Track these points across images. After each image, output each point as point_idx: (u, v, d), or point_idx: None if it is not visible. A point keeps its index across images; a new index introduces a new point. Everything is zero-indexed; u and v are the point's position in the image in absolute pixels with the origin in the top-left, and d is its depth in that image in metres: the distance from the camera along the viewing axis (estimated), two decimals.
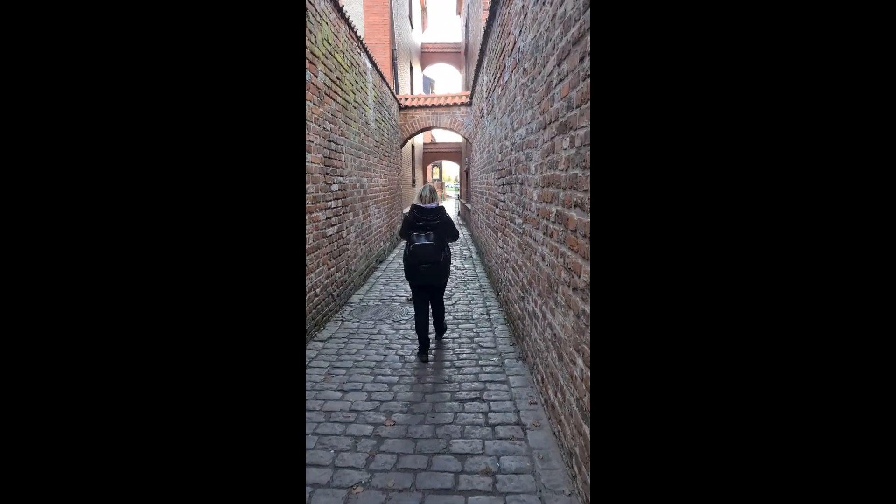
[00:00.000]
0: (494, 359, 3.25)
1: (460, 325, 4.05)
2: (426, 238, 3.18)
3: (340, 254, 4.68)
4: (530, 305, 2.88)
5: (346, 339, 3.72)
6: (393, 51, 10.28)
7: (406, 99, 9.64)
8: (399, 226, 3.70)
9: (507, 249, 4.08)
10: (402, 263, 7.21)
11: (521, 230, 3.27)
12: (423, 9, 19.31)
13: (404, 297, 5.07)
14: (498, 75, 4.51)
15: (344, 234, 4.82)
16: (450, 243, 3.39)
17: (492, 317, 4.26)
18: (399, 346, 3.58)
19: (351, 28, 5.02)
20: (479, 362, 3.20)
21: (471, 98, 9.14)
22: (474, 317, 4.31)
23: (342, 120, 4.68)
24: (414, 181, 15.33)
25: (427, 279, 3.26)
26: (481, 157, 6.90)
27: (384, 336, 3.80)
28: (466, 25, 15.23)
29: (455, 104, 9.46)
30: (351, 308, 4.66)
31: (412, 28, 15.40)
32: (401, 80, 12.06)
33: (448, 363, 3.21)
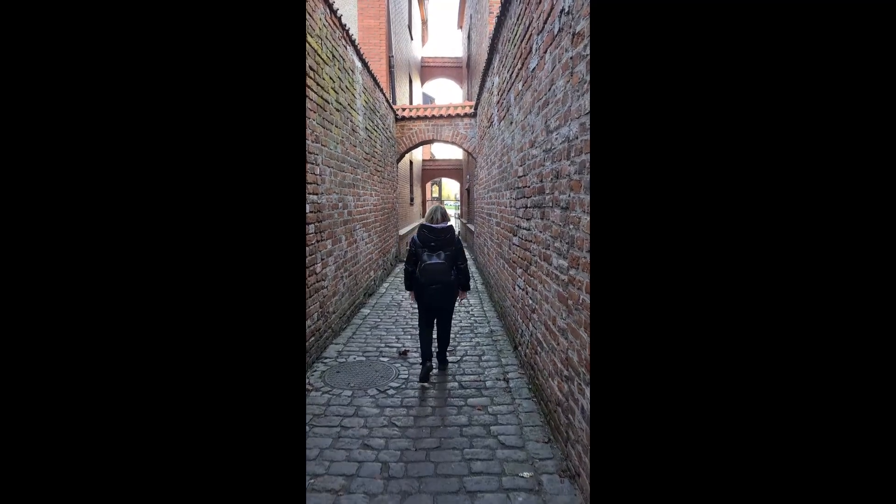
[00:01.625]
0: (525, 473, 2.14)
1: (469, 401, 2.94)
2: (437, 256, 3.11)
3: (312, 294, 3.59)
4: (585, 402, 1.79)
5: (305, 429, 2.60)
6: (390, 58, 9.38)
7: (404, 109, 8.69)
8: (408, 247, 3.40)
9: (533, 296, 3.00)
10: (394, 297, 6.15)
11: (564, 278, 2.20)
12: (424, 22, 18.65)
13: (396, 350, 3.96)
14: (518, 67, 3.51)
15: (318, 269, 3.74)
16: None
17: (511, 385, 3.15)
18: (382, 440, 2.46)
19: (333, 12, 4.04)
20: (503, 480, 2.09)
21: (475, 108, 8.19)
22: (488, 384, 3.20)
23: (317, 122, 3.66)
24: (412, 199, 14.34)
25: (437, 301, 3.19)
26: (490, 173, 5.88)
27: (363, 421, 2.68)
28: (469, 37, 14.51)
29: (458, 115, 8.51)
30: (324, 367, 3.55)
31: (412, 39, 14.63)
32: (400, 93, 11.17)
33: (455, 481, 2.09)
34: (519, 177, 3.56)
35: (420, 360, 3.60)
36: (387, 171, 7.51)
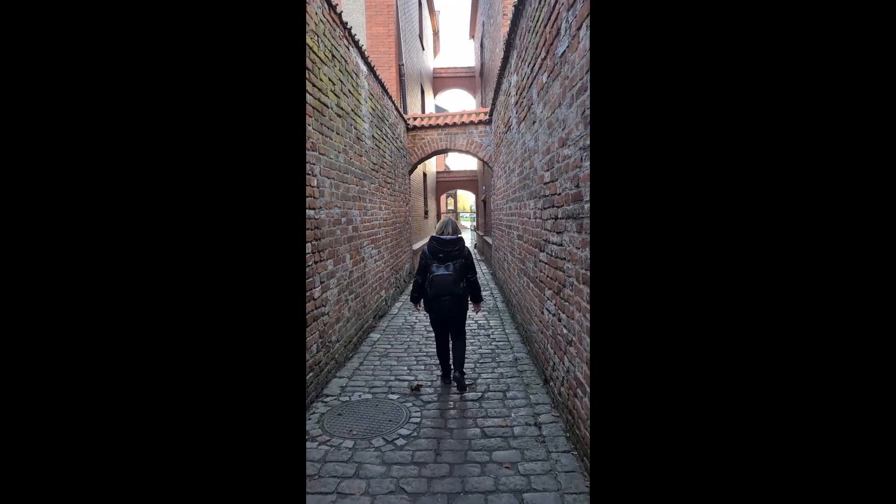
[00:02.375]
0: None
1: (495, 455, 2.41)
2: (446, 268, 3.11)
3: (310, 323, 3.13)
4: None
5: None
6: (400, 66, 9.05)
7: (415, 119, 8.30)
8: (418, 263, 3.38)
9: (569, 325, 2.48)
10: (407, 319, 5.68)
11: None
12: (435, 33, 18.46)
13: (407, 385, 3.46)
14: (542, 57, 3.04)
15: (316, 294, 3.29)
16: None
17: (545, 432, 2.62)
18: None
19: (332, 7, 3.65)
20: None
21: (490, 114, 7.75)
22: (516, 431, 2.67)
23: (313, 128, 3.23)
24: (426, 212, 13.95)
25: (448, 312, 3.17)
26: (508, 182, 5.40)
27: (364, 484, 2.18)
28: (482, 44, 14.20)
29: (472, 122, 8.07)
30: (325, 407, 3.07)
31: (423, 49, 14.38)
32: (411, 104, 10.84)
33: None
34: (545, 183, 3.06)
35: (435, 398, 3.17)
36: (398, 183, 7.09)
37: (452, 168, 21.68)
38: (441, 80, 18.28)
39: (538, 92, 3.23)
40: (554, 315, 2.90)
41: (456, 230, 3.26)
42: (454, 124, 8.13)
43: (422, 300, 3.28)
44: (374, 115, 5.39)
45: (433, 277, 3.08)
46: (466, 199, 35.60)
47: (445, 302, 3.11)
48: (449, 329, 3.28)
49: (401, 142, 7.48)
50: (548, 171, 2.96)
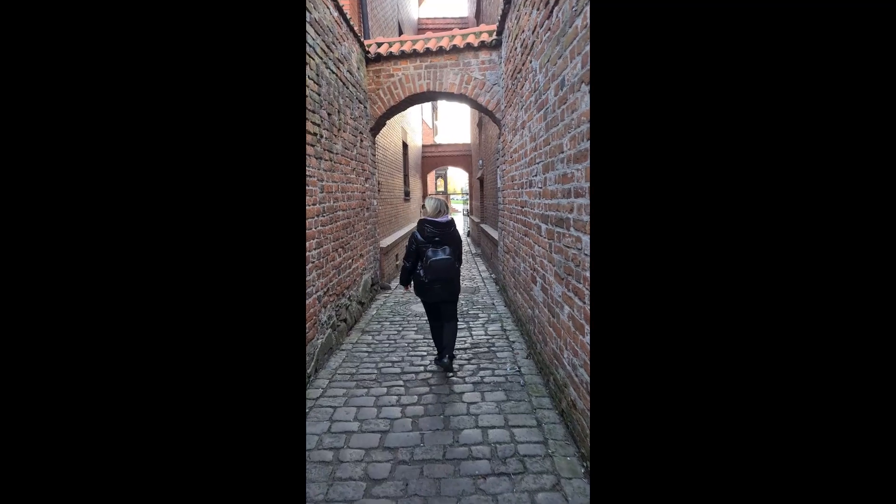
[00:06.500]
0: None
1: None
2: (443, 252, 3.03)
3: None
4: None
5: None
6: None
7: (380, 45, 5.32)
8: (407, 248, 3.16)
9: None
10: (335, 419, 2.72)
11: None
12: None
13: None
14: None
15: None
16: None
17: None
18: None
19: None
20: None
21: (499, 32, 4.79)
22: None
23: None
24: (408, 194, 11.02)
25: (442, 295, 3.13)
26: (545, 124, 2.50)
27: None
28: None
29: (469, 46, 5.11)
30: None
31: None
32: None
33: None
34: None
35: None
36: (342, 141, 4.16)
37: (442, 142, 18.66)
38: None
39: None
40: None
41: (446, 210, 3.21)
42: (440, 51, 5.16)
43: (411, 283, 3.22)
44: None
45: (431, 262, 3.00)
46: (458, 179, 32.59)
47: (441, 287, 3.08)
48: (441, 312, 3.22)
49: (352, 74, 4.52)
50: None
